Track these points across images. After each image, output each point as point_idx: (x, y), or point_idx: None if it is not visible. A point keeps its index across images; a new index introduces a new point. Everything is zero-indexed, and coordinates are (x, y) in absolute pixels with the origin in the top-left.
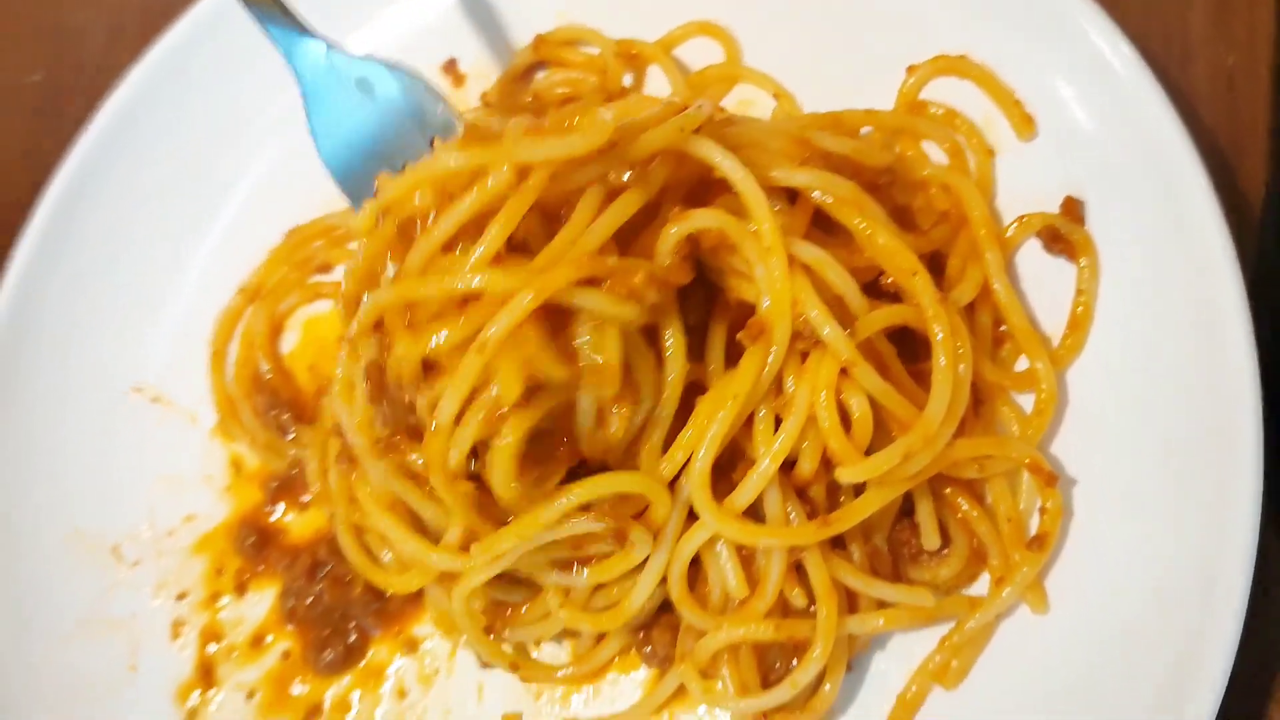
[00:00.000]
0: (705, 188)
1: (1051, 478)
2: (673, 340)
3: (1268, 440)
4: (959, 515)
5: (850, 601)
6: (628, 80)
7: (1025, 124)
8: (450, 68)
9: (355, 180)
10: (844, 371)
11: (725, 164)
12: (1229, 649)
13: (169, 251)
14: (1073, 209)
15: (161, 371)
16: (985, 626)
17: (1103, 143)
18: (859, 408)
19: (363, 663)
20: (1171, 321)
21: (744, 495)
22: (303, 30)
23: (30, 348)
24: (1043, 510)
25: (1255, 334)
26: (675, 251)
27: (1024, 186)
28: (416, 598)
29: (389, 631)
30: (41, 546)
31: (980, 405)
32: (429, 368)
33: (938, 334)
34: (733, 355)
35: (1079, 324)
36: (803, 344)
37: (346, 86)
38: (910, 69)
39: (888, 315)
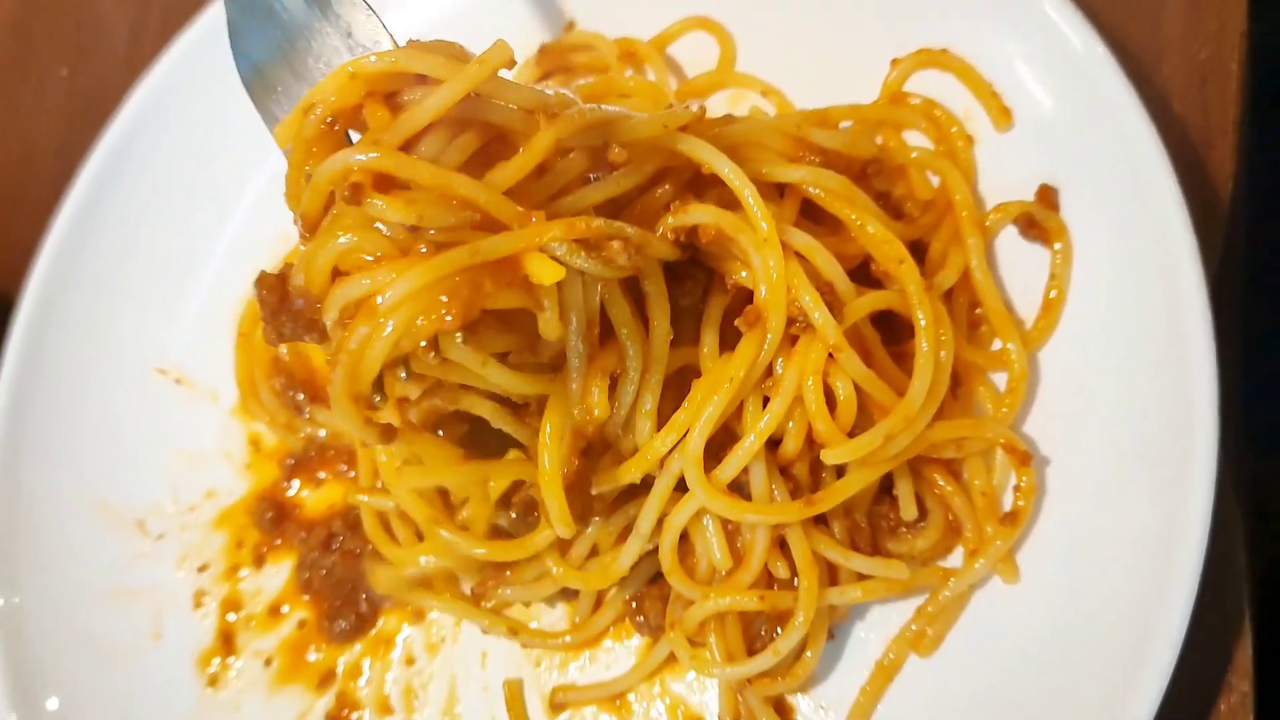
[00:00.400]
0: (706, 177)
1: (1025, 457)
2: (656, 302)
3: (1225, 422)
4: (935, 490)
5: (830, 573)
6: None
7: (1003, 115)
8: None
9: (272, 97)
10: (830, 356)
11: (714, 160)
12: (1184, 610)
13: (190, 240)
14: (1047, 197)
15: (183, 353)
16: (959, 596)
17: (1075, 134)
18: (844, 391)
19: (373, 631)
20: (1137, 308)
21: (728, 469)
22: None
23: (60, 332)
24: (1017, 488)
25: (1218, 321)
26: (670, 237)
27: (1001, 175)
28: None
29: (399, 603)
30: (71, 520)
31: (958, 388)
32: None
33: (921, 321)
34: (726, 338)
35: (1051, 307)
36: (794, 329)
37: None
38: (894, 62)
39: (873, 301)
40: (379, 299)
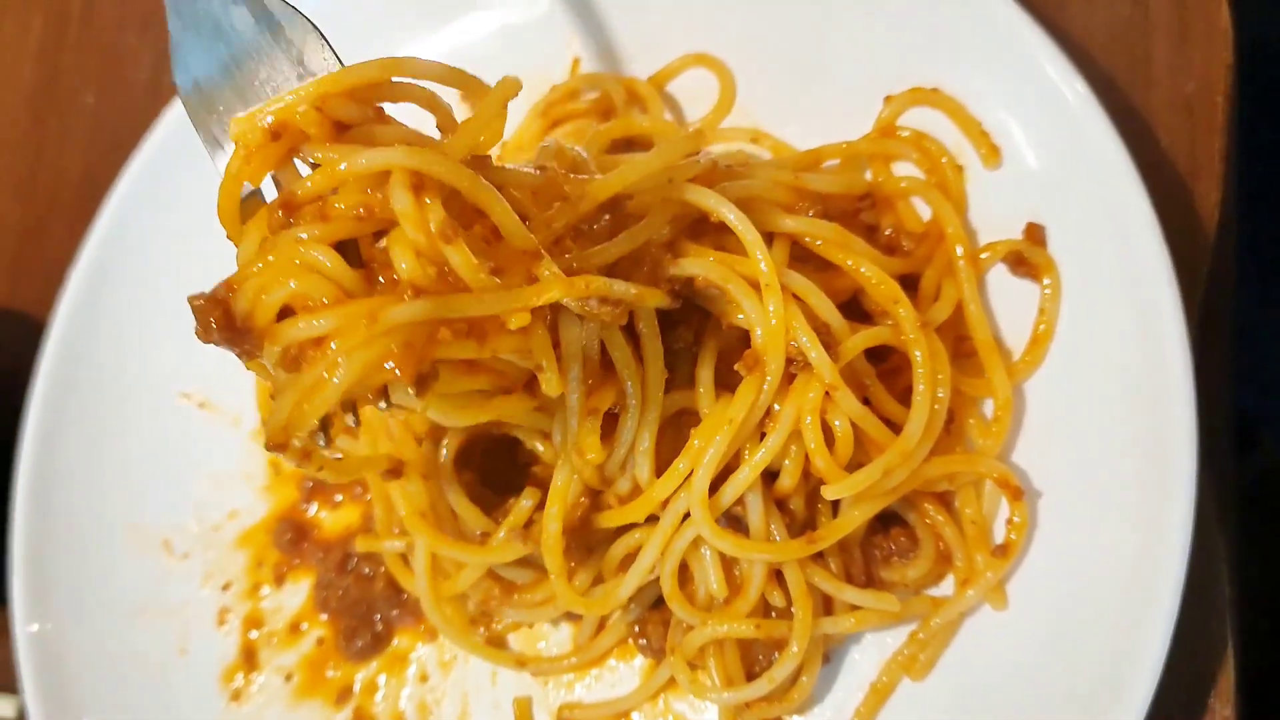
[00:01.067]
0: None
1: (1018, 492)
2: (649, 343)
3: (1206, 449)
4: (927, 520)
5: (825, 602)
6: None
7: (992, 153)
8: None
9: (212, 116)
10: (827, 394)
11: (722, 210)
12: (1164, 636)
13: (212, 266)
14: (1035, 234)
15: (207, 379)
16: (950, 624)
17: (1060, 175)
18: (841, 428)
19: (388, 650)
20: (1119, 344)
21: (725, 497)
22: None
23: (89, 357)
24: (1009, 522)
25: (1206, 355)
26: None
27: (988, 212)
28: None
29: (413, 623)
30: (99, 540)
31: (950, 422)
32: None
33: (918, 357)
34: (720, 379)
35: (1039, 341)
36: (792, 367)
37: (212, 18)
38: (887, 99)
39: (867, 338)
40: (331, 344)
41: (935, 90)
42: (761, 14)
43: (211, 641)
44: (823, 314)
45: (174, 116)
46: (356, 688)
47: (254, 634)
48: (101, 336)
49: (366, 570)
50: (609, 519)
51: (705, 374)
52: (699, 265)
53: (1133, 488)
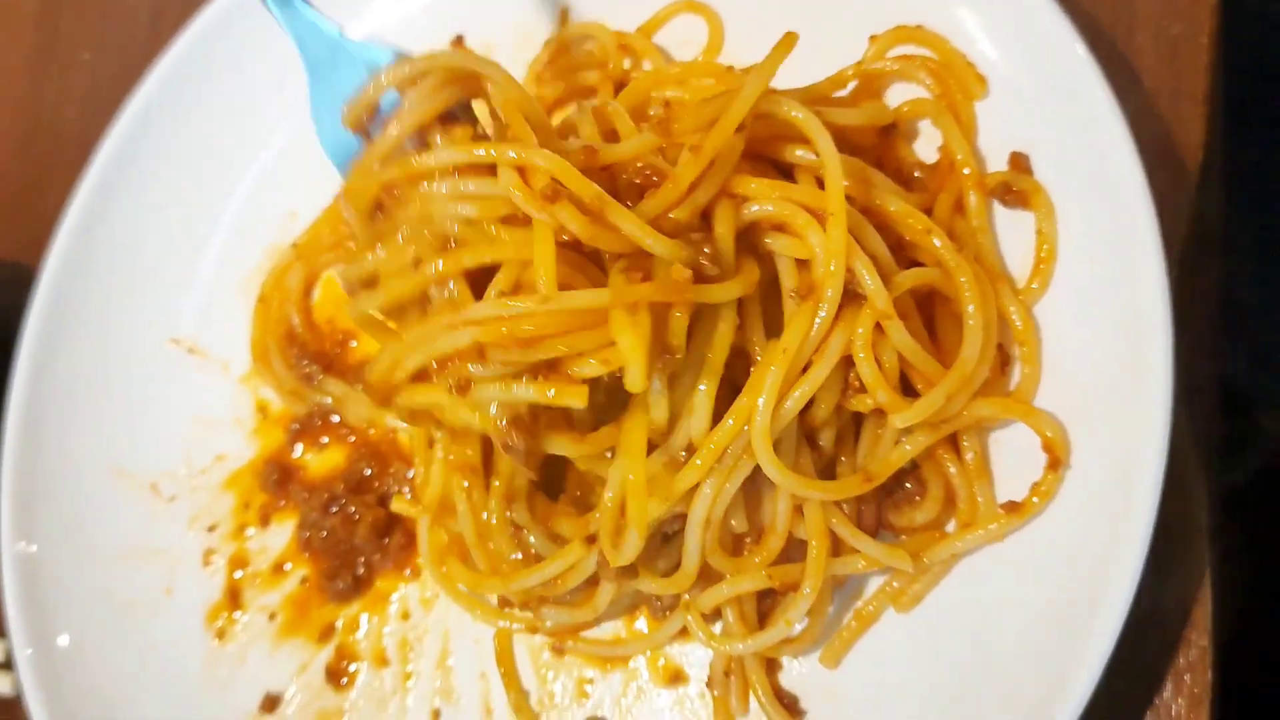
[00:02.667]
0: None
1: (1058, 462)
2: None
3: (1186, 390)
4: (933, 460)
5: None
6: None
7: (978, 82)
8: (458, 43)
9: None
10: (877, 327)
11: (812, 128)
12: (1138, 558)
13: (201, 216)
14: (1020, 163)
15: (196, 324)
16: (945, 563)
17: (1039, 106)
18: (889, 361)
19: (369, 592)
20: (1101, 272)
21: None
22: (311, 13)
23: (79, 304)
24: (1034, 485)
25: (1193, 287)
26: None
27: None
28: (414, 540)
29: (394, 569)
30: (89, 483)
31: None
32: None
33: (963, 282)
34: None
35: (1044, 263)
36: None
37: (353, 70)
38: (872, 39)
39: (916, 275)
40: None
41: (919, 27)
42: None
43: (197, 582)
44: (871, 246)
45: (163, 70)
46: (339, 625)
47: (239, 574)
48: (93, 282)
49: (353, 510)
50: (683, 479)
51: (753, 318)
52: (770, 198)
53: (1110, 415)
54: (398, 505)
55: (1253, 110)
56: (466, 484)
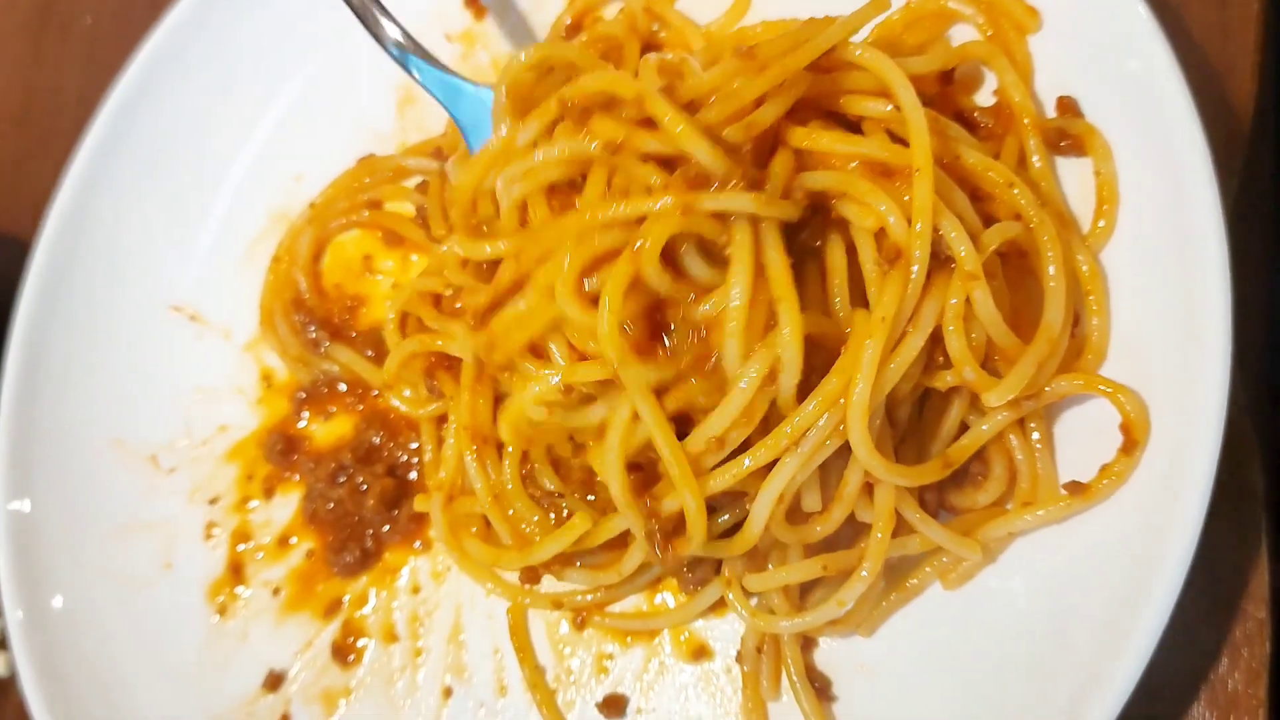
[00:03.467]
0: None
1: (1134, 444)
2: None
3: (1250, 341)
4: (1001, 441)
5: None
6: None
7: (1030, 15)
8: (471, 2)
9: None
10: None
11: (894, 78)
12: (1194, 528)
13: (202, 181)
14: (1070, 106)
15: (197, 291)
16: (1000, 541)
17: (1089, 49)
18: (977, 334)
19: (377, 566)
20: (1154, 220)
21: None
22: (458, 79)
23: (78, 270)
24: (1106, 467)
25: (1243, 237)
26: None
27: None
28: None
29: (403, 542)
30: (89, 455)
31: (1075, 324)
32: None
33: (1045, 240)
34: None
35: (1107, 204)
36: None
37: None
38: None
39: (1002, 231)
40: None
41: None
42: None
43: (198, 556)
44: (957, 205)
45: (164, 31)
46: (346, 600)
47: (241, 548)
48: (90, 249)
49: (361, 481)
50: (755, 456)
51: (839, 290)
52: (842, 153)
53: (1165, 374)
54: (419, 504)
55: None
56: (475, 449)
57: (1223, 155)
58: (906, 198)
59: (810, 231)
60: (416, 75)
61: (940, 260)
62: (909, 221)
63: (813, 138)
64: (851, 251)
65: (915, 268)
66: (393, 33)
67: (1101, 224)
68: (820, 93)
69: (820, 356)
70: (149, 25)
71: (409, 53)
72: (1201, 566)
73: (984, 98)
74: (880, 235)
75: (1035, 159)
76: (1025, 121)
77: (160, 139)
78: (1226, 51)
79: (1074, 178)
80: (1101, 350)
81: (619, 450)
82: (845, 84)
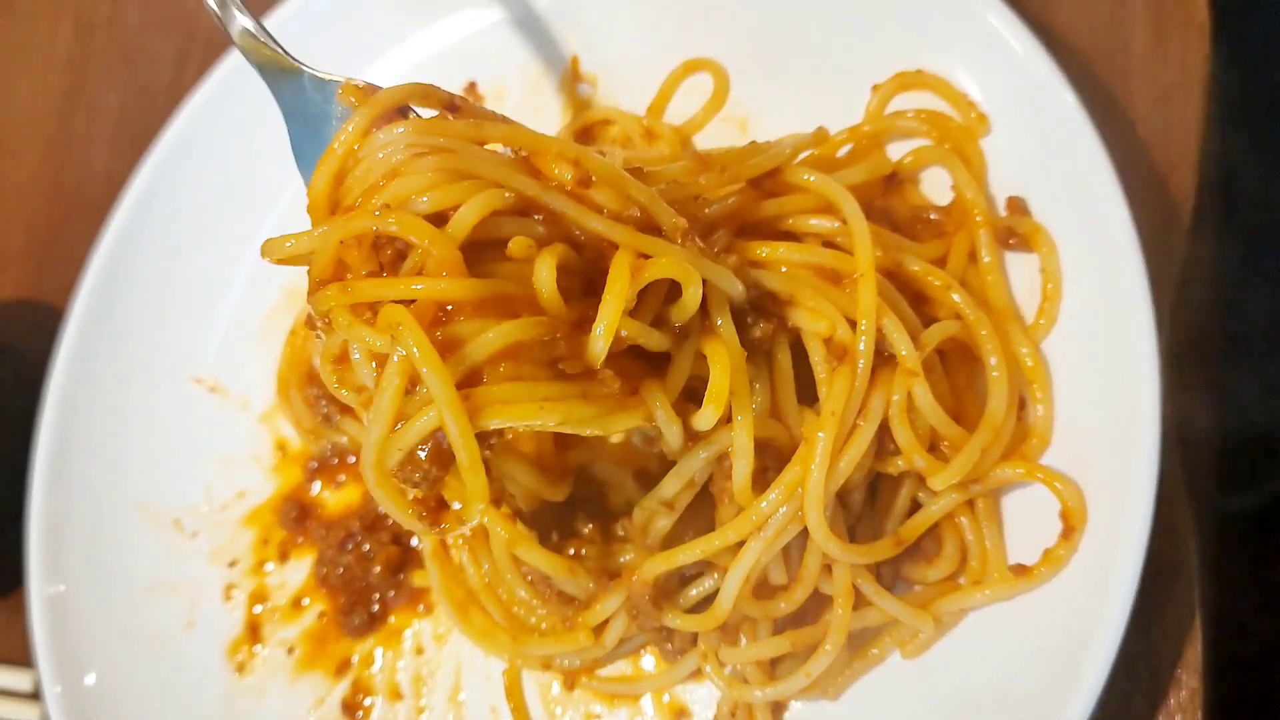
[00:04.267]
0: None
1: (1071, 530)
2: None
3: (1178, 429)
4: (951, 521)
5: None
6: None
7: (980, 120)
8: (471, 89)
9: None
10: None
11: (838, 196)
12: (1125, 604)
13: (222, 257)
14: (1018, 206)
15: (217, 363)
16: (953, 615)
17: (1033, 153)
18: (921, 423)
19: (384, 628)
20: (1090, 312)
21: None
22: (287, 64)
23: (106, 343)
24: (1047, 550)
25: (1184, 329)
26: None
27: None
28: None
29: (408, 604)
30: (116, 518)
31: (1021, 409)
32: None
33: (984, 335)
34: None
35: (1050, 300)
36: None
37: (332, 115)
38: (875, 87)
39: (942, 330)
40: None
41: (919, 72)
42: (747, 7)
43: (218, 615)
44: (898, 308)
45: (187, 116)
46: (355, 660)
47: (258, 608)
48: (118, 323)
49: (367, 548)
50: (724, 537)
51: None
52: (788, 260)
53: (1105, 455)
54: (420, 579)
55: (1244, 155)
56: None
57: (1166, 246)
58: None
59: (757, 335)
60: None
61: (884, 358)
62: (853, 324)
63: (766, 248)
64: (797, 355)
65: (861, 363)
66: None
67: (1043, 320)
68: (767, 216)
69: (771, 455)
70: (172, 106)
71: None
72: (1140, 637)
73: (943, 194)
74: (828, 339)
75: (985, 254)
76: (977, 218)
77: (182, 217)
78: (1168, 149)
79: (1024, 272)
80: (1046, 436)
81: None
82: (789, 207)
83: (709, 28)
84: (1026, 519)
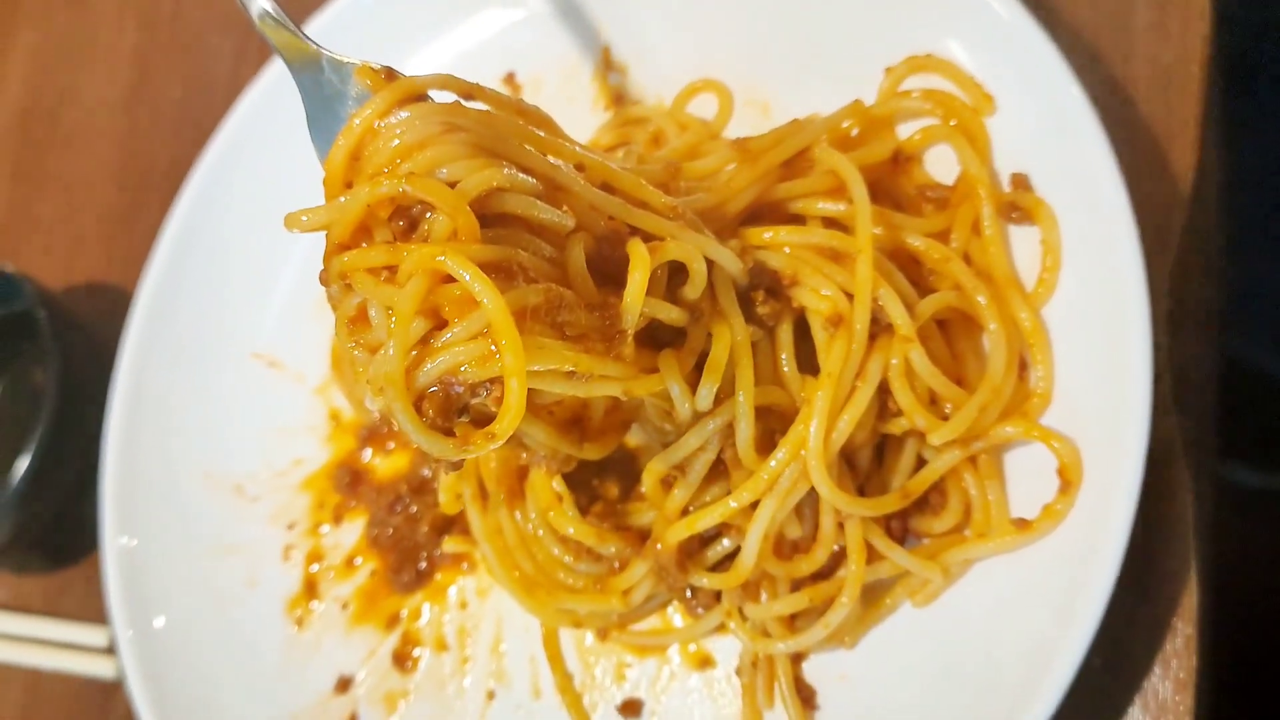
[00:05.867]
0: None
1: (1070, 485)
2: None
3: (1178, 390)
4: (956, 476)
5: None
6: None
7: (986, 101)
8: (509, 79)
9: None
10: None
11: (847, 174)
12: (1116, 556)
13: (279, 240)
14: (1021, 182)
15: (275, 340)
16: (961, 565)
17: (1033, 131)
18: (920, 385)
19: (431, 584)
20: (1087, 283)
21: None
22: (305, 47)
23: (172, 322)
24: (1047, 506)
25: (1182, 304)
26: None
27: None
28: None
29: (452, 563)
30: (183, 485)
31: (1023, 369)
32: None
33: (981, 301)
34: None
35: (1049, 271)
36: (873, 327)
37: (348, 95)
38: (887, 70)
39: (936, 301)
40: None
41: (929, 55)
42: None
43: (277, 574)
44: (895, 282)
45: (245, 108)
46: (404, 614)
47: (314, 568)
48: (183, 303)
49: (414, 510)
50: (739, 498)
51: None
52: (790, 241)
53: (1100, 413)
54: (449, 545)
55: (1241, 131)
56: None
57: (1166, 219)
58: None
59: (764, 313)
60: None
61: (882, 326)
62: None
63: (769, 231)
64: (803, 332)
65: (858, 326)
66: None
67: (1042, 288)
68: (778, 200)
69: (776, 419)
70: (231, 98)
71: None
72: (1138, 590)
73: (946, 172)
74: (830, 315)
75: (988, 227)
76: (980, 191)
77: (241, 203)
78: (1169, 126)
79: (1027, 245)
80: (1047, 396)
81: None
82: (798, 190)
83: (731, 15)
84: (1028, 476)
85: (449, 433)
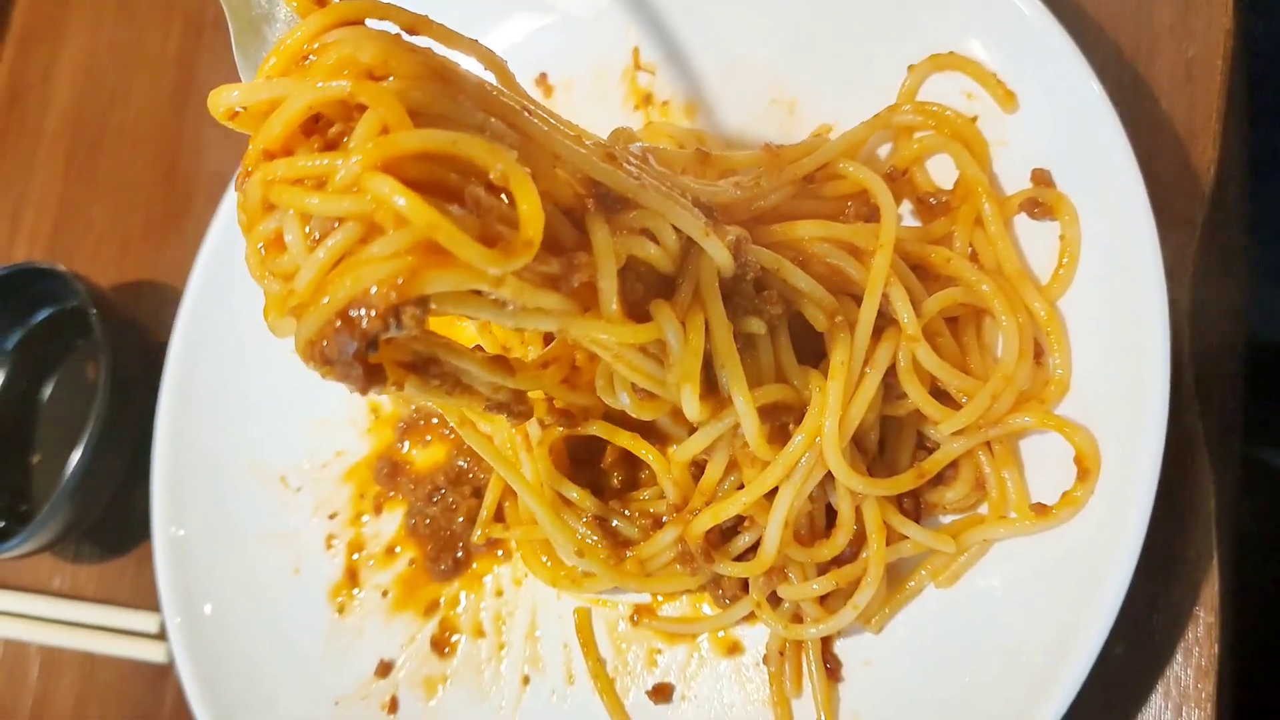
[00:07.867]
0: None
1: (1087, 474)
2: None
3: (1202, 379)
4: (971, 459)
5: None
6: None
7: (1008, 99)
8: (541, 80)
9: None
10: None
11: (871, 183)
12: (1136, 540)
13: None
14: (1043, 178)
15: None
16: (980, 545)
17: (1053, 130)
18: (926, 377)
19: (468, 572)
20: (1106, 278)
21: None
22: None
23: (218, 321)
24: (1065, 493)
25: (1202, 296)
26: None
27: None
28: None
29: (488, 552)
30: (229, 476)
31: (1040, 355)
32: None
33: (985, 289)
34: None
35: (1067, 258)
36: (879, 320)
37: (277, 18)
38: (911, 68)
39: (941, 298)
40: None
41: (951, 54)
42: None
43: (320, 563)
44: (904, 280)
45: None
46: (442, 601)
47: (356, 556)
48: (228, 300)
49: (451, 501)
50: (759, 486)
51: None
52: (814, 230)
53: (1119, 404)
54: (479, 538)
55: (1263, 120)
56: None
57: (1185, 213)
58: None
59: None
60: None
61: (889, 319)
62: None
63: (787, 228)
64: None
65: (865, 313)
66: None
67: (1059, 281)
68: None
69: (785, 413)
70: None
71: None
72: (1160, 579)
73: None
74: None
75: (990, 223)
76: (979, 190)
77: None
78: (1191, 121)
79: (1046, 240)
80: (1065, 383)
81: None
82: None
83: (758, 16)
84: (1048, 464)
85: (374, 369)
